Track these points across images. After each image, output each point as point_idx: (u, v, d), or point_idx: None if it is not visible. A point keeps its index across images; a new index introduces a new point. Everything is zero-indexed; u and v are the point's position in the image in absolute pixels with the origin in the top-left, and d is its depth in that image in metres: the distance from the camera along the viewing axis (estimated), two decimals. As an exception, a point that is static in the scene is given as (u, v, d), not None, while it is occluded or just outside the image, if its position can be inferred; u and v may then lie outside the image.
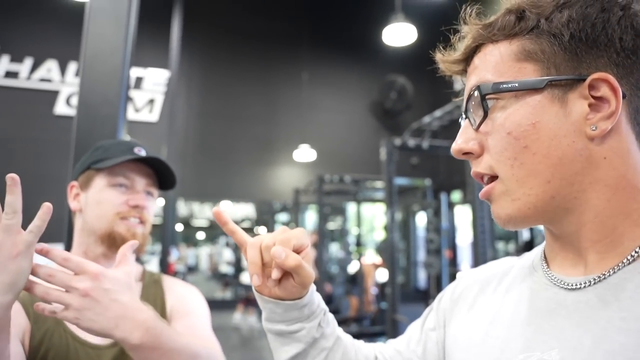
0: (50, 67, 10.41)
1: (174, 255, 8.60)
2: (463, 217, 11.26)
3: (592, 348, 0.46)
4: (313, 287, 0.66)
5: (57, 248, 0.74)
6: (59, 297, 0.70)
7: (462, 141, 0.56)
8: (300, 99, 11.67)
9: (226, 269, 12.38)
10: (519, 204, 0.52)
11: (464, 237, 11.14)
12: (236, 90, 11.61)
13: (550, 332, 0.51)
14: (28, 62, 10.31)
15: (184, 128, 10.82)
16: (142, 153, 1.06)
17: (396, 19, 6.64)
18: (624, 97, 0.49)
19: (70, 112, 10.14)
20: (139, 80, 10.90)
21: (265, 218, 11.77)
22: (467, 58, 0.57)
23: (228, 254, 12.56)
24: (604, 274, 0.49)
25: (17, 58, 10.26)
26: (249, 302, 8.63)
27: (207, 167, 10.79)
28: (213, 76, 11.54)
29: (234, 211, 12.16)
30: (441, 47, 0.60)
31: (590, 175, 0.50)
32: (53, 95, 10.37)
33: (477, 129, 0.55)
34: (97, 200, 1.02)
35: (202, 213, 12.00)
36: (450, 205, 11.19)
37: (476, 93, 0.53)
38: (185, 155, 10.37)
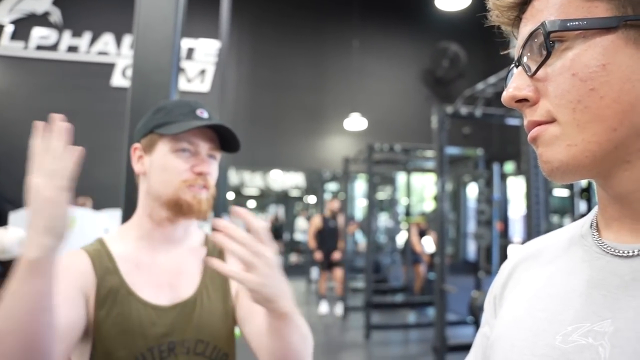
0: (107, 41, 10.75)
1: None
2: (516, 188, 10.95)
3: None
4: None
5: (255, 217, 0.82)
6: (251, 261, 0.78)
7: (515, 87, 0.50)
8: (350, 67, 11.54)
9: (300, 236, 12.60)
10: (575, 150, 0.46)
11: (516, 209, 10.86)
12: (286, 59, 11.61)
13: (602, 302, 0.47)
14: (87, 36, 10.68)
15: (234, 98, 10.96)
16: (205, 115, 1.06)
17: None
18: None
19: (126, 83, 10.47)
20: (190, 51, 11.08)
21: (315, 187, 11.88)
22: (525, 2, 0.52)
23: (302, 223, 12.78)
24: None
25: (77, 33, 10.64)
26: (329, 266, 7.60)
27: (257, 136, 10.93)
28: (263, 45, 11.57)
29: (284, 180, 12.32)
30: None
31: None
32: (110, 67, 10.72)
33: (533, 75, 0.49)
34: (161, 166, 1.02)
35: (252, 182, 12.23)
36: (503, 177, 10.90)
37: (539, 32, 0.47)
38: (236, 125, 10.48)
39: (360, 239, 10.78)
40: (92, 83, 10.49)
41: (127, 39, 10.74)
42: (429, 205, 11.73)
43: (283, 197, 13.35)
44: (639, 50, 0.44)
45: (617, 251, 0.48)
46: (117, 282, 0.98)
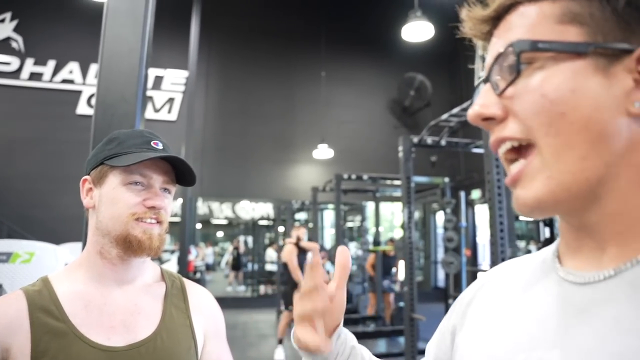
0: (72, 69, 10.61)
1: (193, 253, 8.69)
2: (483, 215, 11.15)
3: (595, 349, 0.42)
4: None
5: None
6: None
7: (482, 105, 0.49)
8: (318, 97, 11.68)
9: (270, 267, 12.47)
10: (553, 184, 0.45)
11: (484, 236, 11.03)
12: (254, 89, 11.67)
13: (555, 330, 0.47)
14: (51, 64, 10.52)
15: (202, 127, 10.91)
16: (159, 146, 1.00)
17: (415, 16, 6.60)
18: None
19: (92, 112, 10.33)
20: (158, 81, 11.04)
21: (284, 217, 11.82)
22: (499, 17, 0.51)
23: (271, 253, 12.67)
24: (619, 269, 0.45)
25: (40, 61, 10.48)
26: None
27: (225, 166, 10.87)
28: (231, 75, 11.62)
29: (253, 210, 12.22)
30: (468, 3, 0.54)
31: (627, 158, 0.44)
32: (75, 95, 10.57)
33: (501, 93, 0.48)
34: (111, 200, 0.96)
35: (220, 212, 12.09)
36: (470, 204, 11.10)
37: (510, 51, 0.47)
38: (203, 154, 10.45)
39: (330, 269, 10.72)
40: (57, 111, 10.30)
41: (93, 68, 10.64)
42: (398, 233, 11.81)
43: (252, 227, 13.24)
44: (607, 78, 0.44)
45: (574, 279, 0.49)
46: (62, 326, 0.90)
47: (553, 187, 0.45)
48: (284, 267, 6.42)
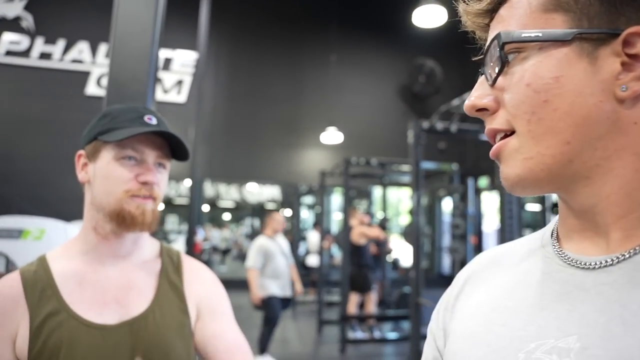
0: (81, 49, 10.59)
1: (200, 235, 8.73)
2: (490, 203, 11.12)
3: (624, 336, 0.41)
4: None
5: None
6: None
7: (476, 96, 0.51)
8: (328, 81, 11.60)
9: None
10: (531, 163, 0.46)
11: (490, 224, 11.02)
12: (264, 72, 11.61)
13: (566, 317, 0.45)
14: (61, 43, 10.51)
15: (211, 109, 10.90)
16: (153, 122, 0.98)
17: (426, 0, 6.50)
18: None
19: (101, 92, 10.33)
20: (167, 62, 11.00)
21: (291, 200, 11.85)
22: (493, 9, 0.51)
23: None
24: (630, 252, 0.44)
25: (50, 40, 10.46)
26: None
27: (234, 148, 10.87)
28: (241, 58, 11.56)
29: (260, 193, 12.26)
30: None
31: (616, 141, 0.44)
32: (84, 75, 10.56)
33: (493, 84, 0.49)
34: (104, 175, 0.96)
35: (228, 194, 12.14)
36: (478, 191, 11.06)
37: (495, 43, 0.48)
38: (212, 137, 10.46)
39: (336, 253, 10.77)
40: (66, 91, 10.31)
41: (103, 48, 10.61)
42: (405, 219, 11.81)
43: (259, 210, 13.28)
44: (592, 64, 0.44)
45: (580, 263, 0.47)
46: (56, 305, 0.91)
47: (532, 166, 0.46)
48: (353, 248, 6.69)
